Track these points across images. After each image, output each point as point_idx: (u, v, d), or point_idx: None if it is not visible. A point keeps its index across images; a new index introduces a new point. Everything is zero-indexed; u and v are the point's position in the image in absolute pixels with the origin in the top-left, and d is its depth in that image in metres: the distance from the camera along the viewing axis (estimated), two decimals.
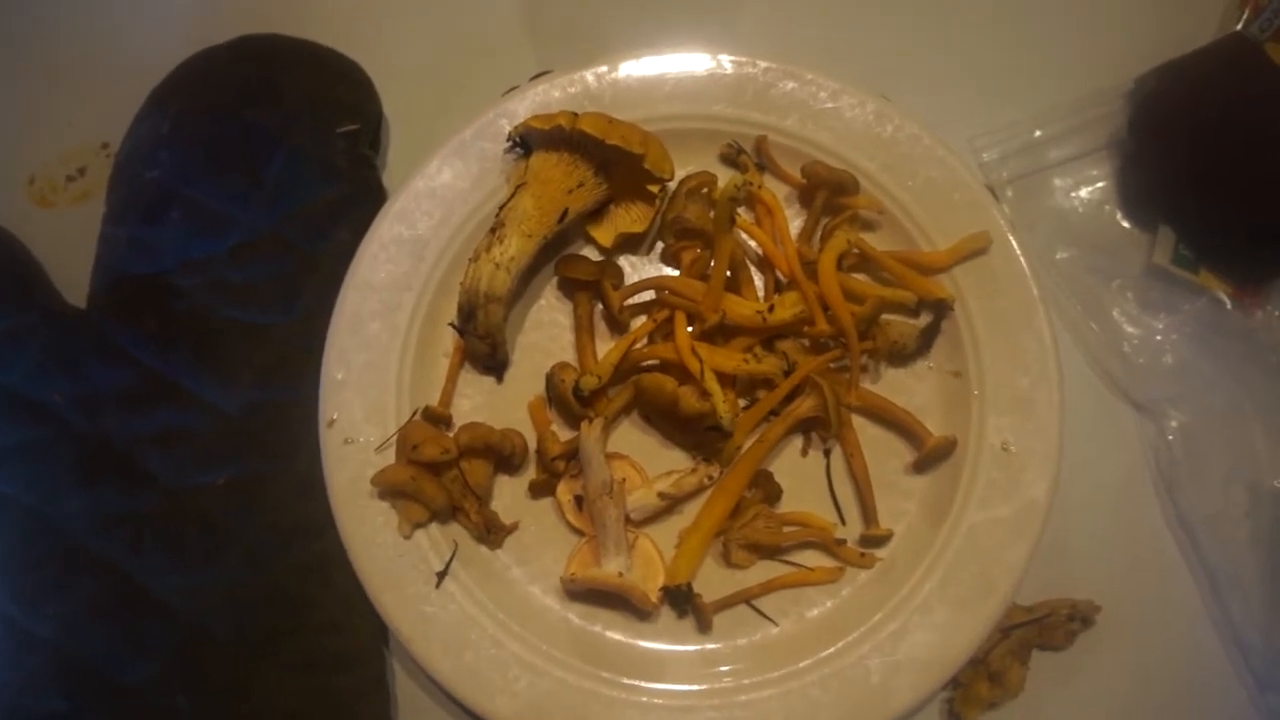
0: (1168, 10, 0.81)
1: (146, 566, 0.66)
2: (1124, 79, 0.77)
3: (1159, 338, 0.73)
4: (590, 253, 0.72)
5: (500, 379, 0.70)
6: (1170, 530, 0.71)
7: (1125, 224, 0.76)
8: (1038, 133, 0.77)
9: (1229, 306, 0.74)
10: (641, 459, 0.68)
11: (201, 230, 0.72)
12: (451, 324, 0.68)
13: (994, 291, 0.69)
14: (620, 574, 0.64)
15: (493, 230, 0.67)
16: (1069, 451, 0.66)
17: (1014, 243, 0.69)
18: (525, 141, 0.68)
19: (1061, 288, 0.74)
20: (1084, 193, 0.77)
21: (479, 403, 0.70)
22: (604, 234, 0.71)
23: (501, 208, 0.67)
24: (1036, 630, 0.68)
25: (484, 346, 0.67)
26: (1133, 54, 0.77)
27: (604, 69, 0.72)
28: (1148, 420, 0.72)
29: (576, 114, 0.65)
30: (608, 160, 0.67)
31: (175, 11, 0.82)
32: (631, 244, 0.72)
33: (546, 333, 0.71)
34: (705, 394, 0.64)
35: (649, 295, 0.69)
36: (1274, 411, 0.71)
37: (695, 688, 0.64)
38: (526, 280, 0.71)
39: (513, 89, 0.73)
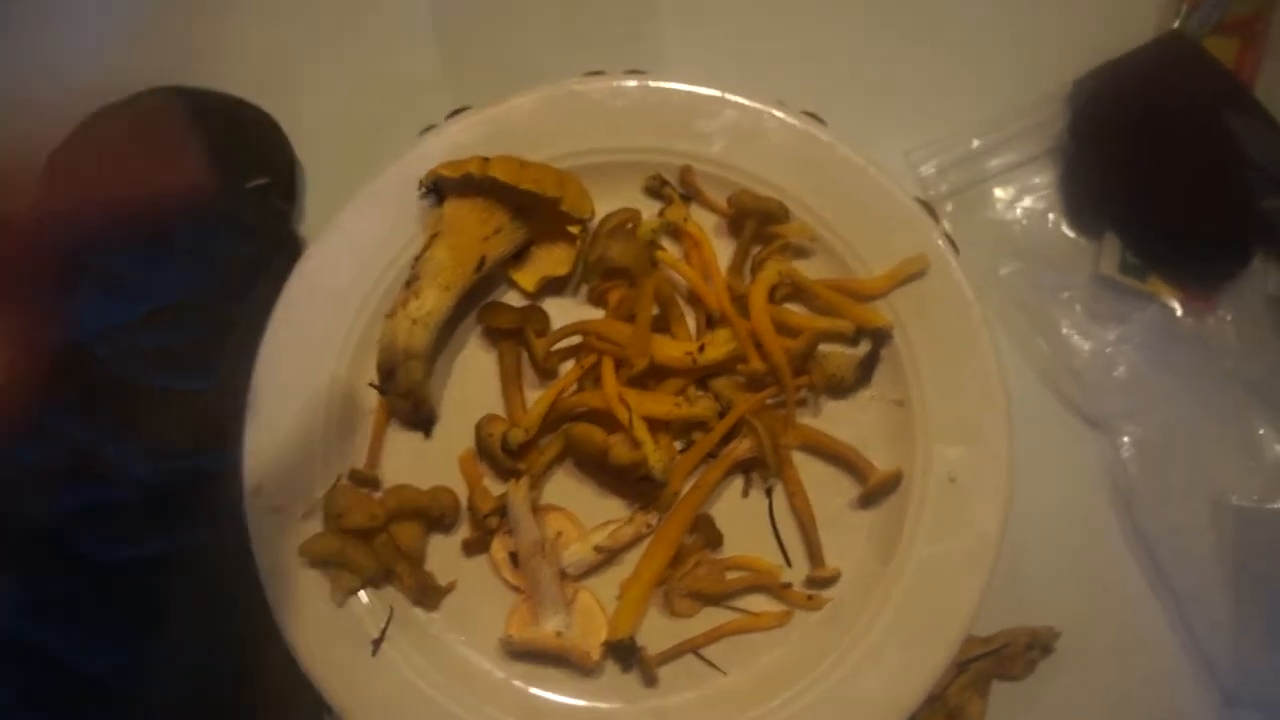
0: (1105, 11, 0.78)
1: (80, 648, 0.64)
2: (1062, 83, 0.75)
3: (1110, 350, 0.71)
4: (515, 298, 0.70)
5: (428, 434, 0.68)
6: (1130, 549, 0.69)
7: (1070, 233, 0.74)
8: (975, 142, 0.74)
9: (1180, 313, 0.71)
10: (578, 509, 0.66)
11: (115, 297, 0.69)
12: (372, 384, 0.66)
13: (935, 315, 0.66)
14: (559, 633, 0.62)
15: (408, 284, 0.64)
16: (1021, 473, 0.64)
17: (953, 263, 0.66)
18: (437, 188, 0.66)
19: (1007, 304, 0.72)
20: (1027, 202, 0.74)
21: (409, 460, 0.67)
22: (527, 278, 0.68)
23: (416, 259, 0.65)
24: (995, 661, 0.66)
25: (406, 404, 0.65)
26: (1070, 57, 0.74)
27: (521, 102, 0.69)
28: (1102, 436, 0.70)
29: (487, 159, 0.62)
30: (523, 204, 0.64)
31: (68, 71, 0.79)
32: (557, 286, 0.70)
33: (474, 384, 0.68)
34: (636, 443, 0.61)
35: (576, 340, 0.67)
36: (1229, 420, 0.69)
37: None
38: (449, 331, 0.68)
39: (429, 128, 0.71)
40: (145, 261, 0.69)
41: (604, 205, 0.67)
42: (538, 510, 0.65)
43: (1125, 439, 0.69)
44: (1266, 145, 0.70)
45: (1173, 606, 0.68)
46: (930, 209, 0.69)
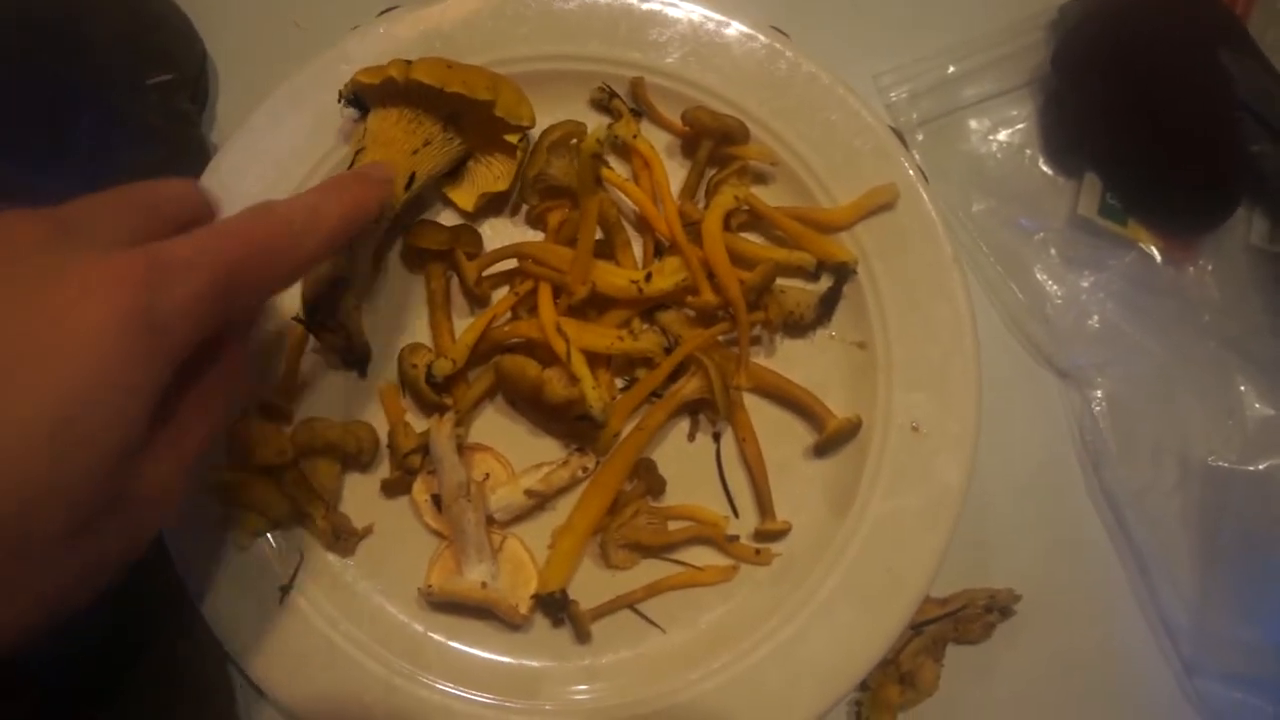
0: None
1: None
2: (1047, 7, 0.70)
3: (1084, 297, 0.67)
4: (452, 218, 0.64)
5: (363, 373, 0.62)
6: (1095, 508, 0.66)
7: (1048, 171, 0.69)
8: (951, 69, 0.69)
9: (1159, 261, 0.67)
10: (508, 450, 0.60)
11: (3, 206, 0.62)
12: (296, 318, 0.60)
13: (902, 251, 0.61)
14: (484, 584, 0.57)
15: None
16: (987, 426, 0.59)
17: (924, 195, 0.61)
18: (359, 99, 0.59)
19: (978, 243, 0.67)
20: (1003, 136, 0.69)
21: (325, 393, 0.61)
22: (464, 196, 0.62)
23: None
24: (951, 624, 0.62)
25: (336, 339, 0.58)
26: None
27: (458, 1, 0.63)
28: (1072, 389, 0.66)
29: (410, 62, 0.55)
30: (454, 112, 0.58)
31: None
32: (498, 206, 0.64)
33: (405, 314, 0.62)
34: (573, 379, 0.56)
35: (512, 264, 0.61)
36: (1205, 376, 0.65)
37: (577, 702, 0.57)
38: (380, 257, 0.62)
39: (356, 28, 0.64)
40: (37, 165, 0.62)
41: (547, 120, 0.61)
42: (464, 450, 0.59)
43: (1096, 392, 0.65)
44: (1259, 86, 0.65)
45: (1136, 571, 0.65)
46: (900, 138, 0.64)
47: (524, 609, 0.57)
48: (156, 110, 0.63)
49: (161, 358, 0.35)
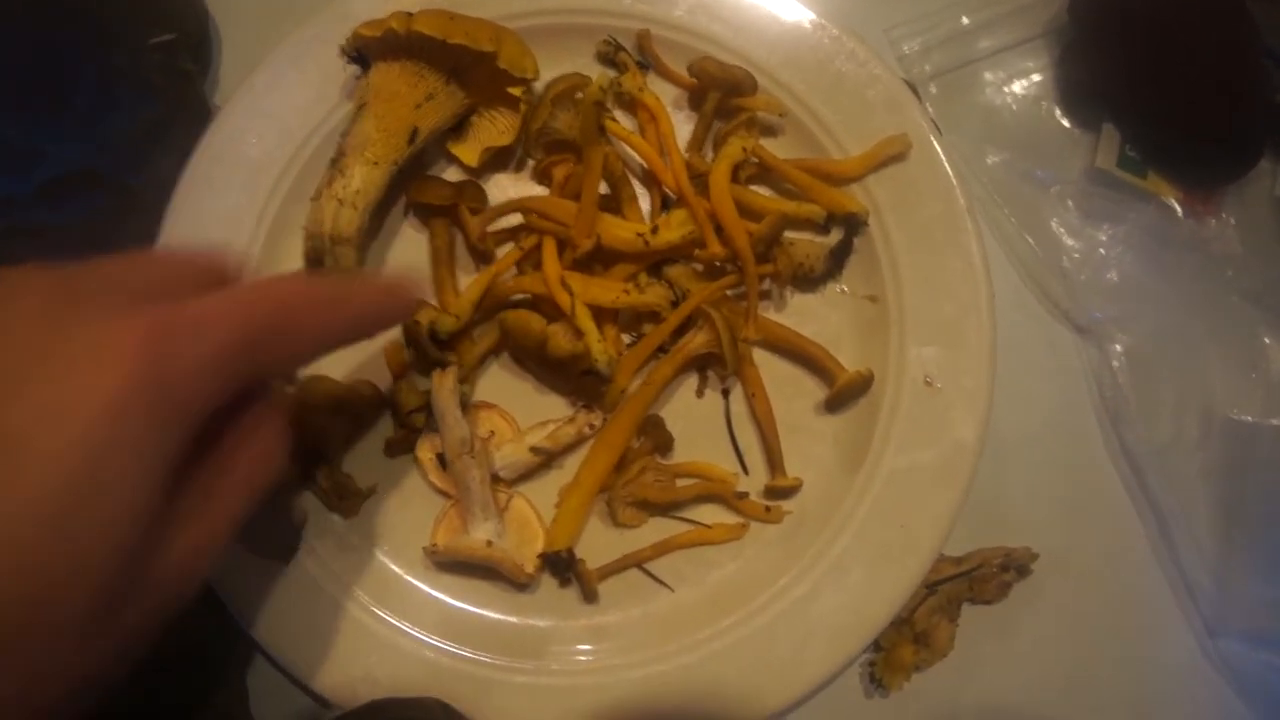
0: None
1: None
2: None
3: (1103, 251, 0.65)
4: (456, 174, 0.63)
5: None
6: (1115, 466, 0.64)
7: (1065, 122, 0.68)
8: (965, 20, 0.68)
9: (1180, 214, 0.66)
10: (513, 407, 0.59)
11: (3, 166, 0.62)
12: None
13: (915, 203, 0.60)
14: (489, 543, 0.56)
15: (334, 161, 0.57)
16: (1002, 382, 0.58)
17: (937, 146, 0.60)
18: (361, 54, 0.58)
19: (992, 196, 0.65)
20: (1018, 87, 0.68)
21: (335, 353, 0.61)
22: (468, 151, 0.61)
23: (343, 135, 0.58)
24: (966, 584, 0.61)
25: None
26: None
27: None
28: (1090, 344, 0.65)
29: (411, 14, 0.55)
30: (457, 65, 0.57)
31: None
32: (502, 161, 0.63)
33: (405, 268, 0.61)
34: (578, 333, 0.55)
35: (516, 219, 0.60)
36: (1228, 331, 0.64)
37: (583, 662, 0.56)
38: (383, 213, 0.62)
39: None
40: (38, 126, 0.62)
41: (552, 75, 0.60)
42: (469, 408, 0.58)
43: (1115, 347, 0.64)
44: None
45: (1156, 530, 0.63)
46: (913, 90, 0.62)
47: (530, 568, 0.56)
48: (158, 70, 0.63)
49: (174, 423, 0.33)
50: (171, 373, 0.32)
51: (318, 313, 0.40)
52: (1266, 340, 0.63)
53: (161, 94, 0.63)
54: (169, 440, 0.33)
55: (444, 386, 0.55)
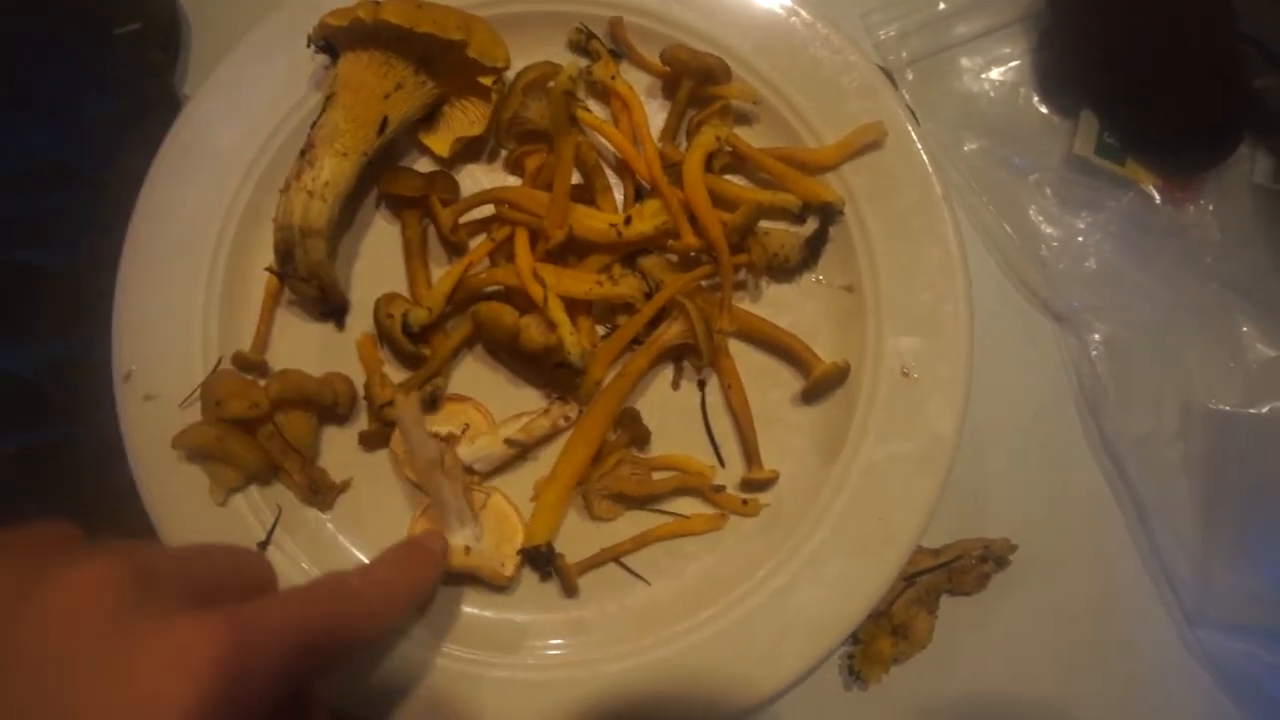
0: None
1: None
2: None
3: (1081, 239, 0.65)
4: (428, 165, 0.62)
5: (341, 325, 0.61)
6: (1094, 457, 0.64)
7: (1043, 109, 0.67)
8: (941, 5, 0.67)
9: (1158, 201, 0.65)
10: (488, 400, 0.59)
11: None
12: (269, 268, 0.58)
13: (891, 192, 0.59)
14: (467, 549, 0.55)
15: (303, 153, 0.57)
16: (981, 372, 0.58)
17: (913, 134, 0.60)
18: (330, 44, 0.57)
19: (970, 184, 0.65)
20: (995, 74, 0.67)
21: (301, 344, 0.60)
22: (439, 142, 0.61)
23: (312, 126, 0.57)
24: (945, 576, 0.61)
25: (310, 289, 0.57)
26: None
27: None
28: (1069, 333, 0.64)
29: (378, 2, 0.54)
30: (426, 54, 0.56)
31: None
32: (474, 151, 0.62)
33: (383, 266, 0.61)
34: (551, 325, 0.54)
35: (489, 211, 0.59)
36: (1207, 319, 0.63)
37: (559, 658, 0.56)
38: (355, 205, 0.61)
39: None
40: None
41: (523, 63, 0.59)
42: (443, 400, 0.58)
43: (1094, 336, 0.63)
44: (1264, 16, 0.63)
45: (1136, 520, 0.63)
46: (889, 77, 0.62)
47: (509, 569, 0.55)
48: (125, 61, 0.62)
49: None
50: (245, 684, 0.33)
51: (370, 618, 0.43)
52: (1245, 328, 0.63)
53: (129, 84, 0.62)
54: None
55: (408, 410, 0.53)
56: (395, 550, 0.50)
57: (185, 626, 0.32)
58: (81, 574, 0.33)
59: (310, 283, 0.57)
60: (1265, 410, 0.62)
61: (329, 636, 0.39)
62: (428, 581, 0.51)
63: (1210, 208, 0.65)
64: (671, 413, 0.59)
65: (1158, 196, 0.65)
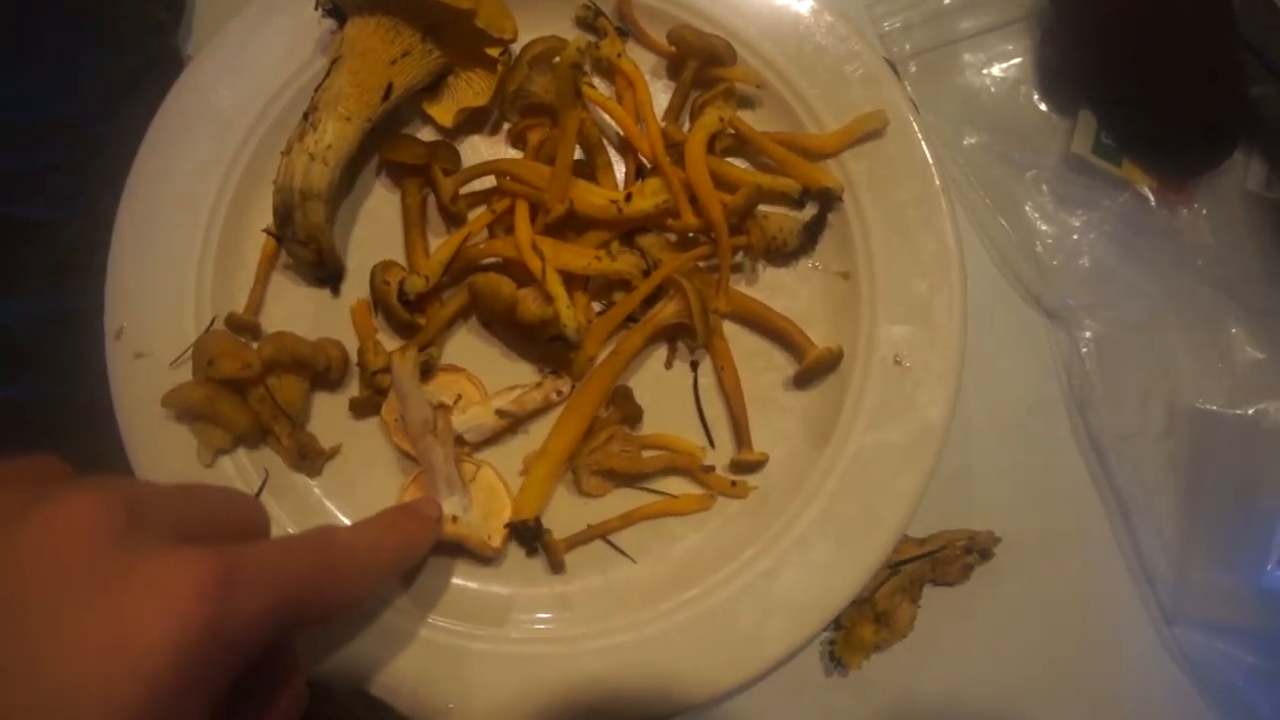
0: None
1: None
2: None
3: (1075, 237, 0.65)
4: (431, 135, 0.62)
5: (336, 291, 0.60)
6: (1080, 453, 0.64)
7: (1042, 107, 0.68)
8: (946, 0, 0.67)
9: (1153, 203, 0.66)
10: (481, 372, 0.59)
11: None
12: (267, 229, 0.58)
13: (890, 181, 0.60)
14: (455, 518, 0.55)
15: (306, 115, 0.56)
16: (971, 365, 0.58)
17: (915, 125, 0.60)
18: (337, 7, 0.57)
19: (968, 178, 0.65)
20: (997, 70, 0.67)
21: (296, 308, 0.60)
22: (443, 111, 0.61)
23: (317, 89, 0.57)
24: (929, 565, 0.61)
25: (307, 253, 0.57)
26: None
27: None
28: (1060, 330, 0.65)
29: None
30: (434, 22, 0.56)
31: None
32: (477, 123, 0.62)
33: (381, 233, 0.61)
34: (548, 298, 0.54)
35: (490, 182, 0.59)
36: (1197, 320, 0.64)
37: (542, 632, 0.56)
38: (355, 172, 0.61)
39: None
40: (1, 70, 0.61)
41: (530, 37, 0.59)
42: (436, 371, 0.58)
43: (1085, 334, 0.64)
44: (1263, 24, 0.63)
45: (1119, 517, 0.63)
46: (893, 68, 0.62)
47: (497, 541, 0.55)
48: (129, 18, 0.62)
49: (222, 672, 0.34)
50: (230, 623, 0.33)
51: (357, 572, 0.43)
52: (1234, 330, 0.63)
53: (131, 41, 0.62)
54: (216, 686, 0.34)
55: (405, 366, 0.54)
56: (389, 512, 0.50)
57: (172, 560, 0.32)
58: (70, 504, 0.32)
59: (308, 246, 0.57)
60: (1250, 412, 0.62)
61: (315, 588, 0.39)
62: (418, 545, 0.50)
63: (1204, 212, 0.66)
64: (664, 392, 0.59)
65: (1152, 198, 0.66)
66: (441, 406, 0.56)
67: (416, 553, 0.51)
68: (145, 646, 0.31)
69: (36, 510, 0.32)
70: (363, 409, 0.58)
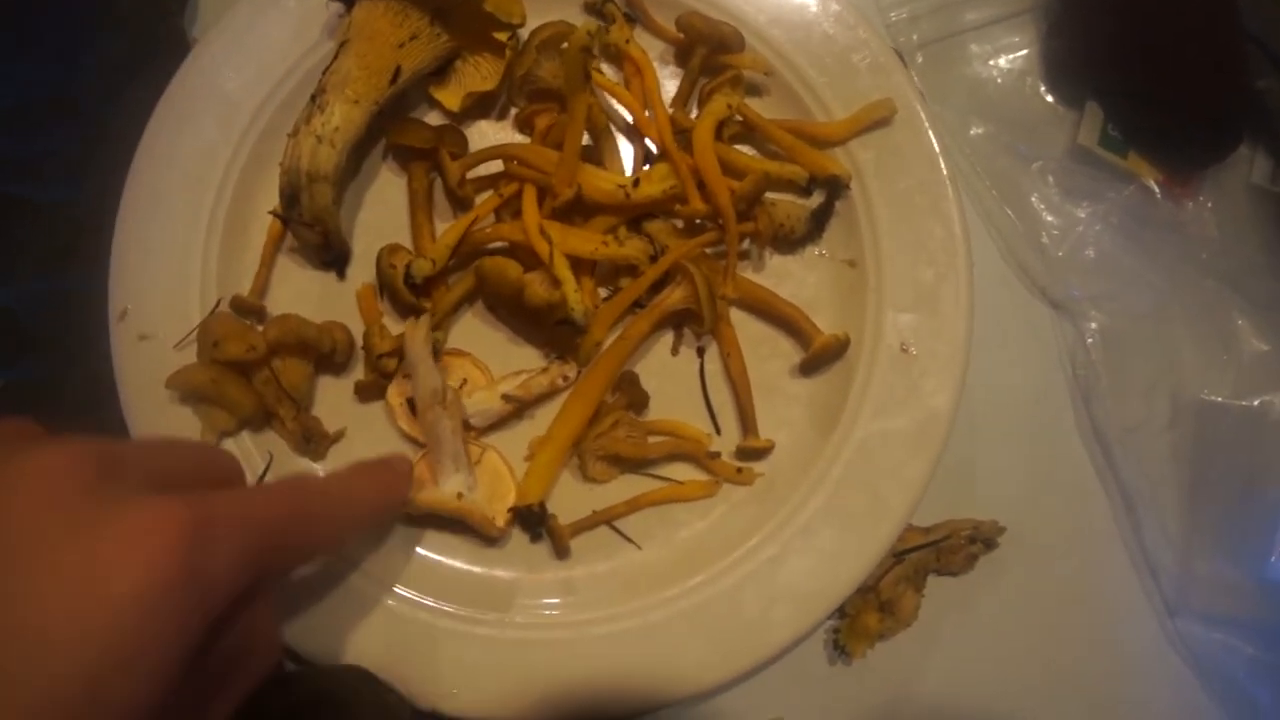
0: None
1: None
2: None
3: (1081, 228, 0.65)
4: (438, 119, 0.62)
5: (342, 274, 0.60)
6: (1084, 444, 0.64)
7: (1049, 98, 0.68)
8: None
9: (1158, 196, 0.66)
10: (487, 357, 0.59)
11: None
12: (273, 211, 0.58)
13: (897, 170, 0.60)
14: (460, 495, 0.55)
15: (313, 97, 0.56)
16: (976, 355, 0.58)
17: (922, 114, 0.60)
18: None
19: (974, 168, 0.65)
20: (1004, 61, 0.68)
21: (302, 291, 0.60)
22: (450, 96, 0.61)
23: (324, 72, 0.57)
24: (934, 554, 0.61)
25: (313, 236, 0.57)
26: None
27: None
28: (1065, 321, 0.65)
29: None
30: (442, 6, 0.56)
31: None
32: (485, 107, 0.62)
33: (387, 217, 0.61)
34: (555, 282, 0.54)
35: (497, 167, 0.59)
36: (1202, 313, 0.64)
37: (546, 618, 0.55)
38: (362, 155, 0.61)
39: None
40: (3, 52, 0.60)
41: (539, 22, 0.59)
42: (442, 355, 0.57)
43: (1090, 325, 0.64)
44: (1270, 18, 0.64)
45: (1122, 509, 0.63)
46: (900, 57, 0.62)
47: (500, 521, 0.55)
48: (135, 0, 0.62)
49: (198, 619, 0.34)
50: (205, 570, 0.33)
51: (330, 515, 0.44)
52: (1239, 322, 0.63)
53: (137, 24, 0.62)
54: (192, 633, 0.34)
55: (417, 336, 0.54)
56: (363, 463, 0.51)
57: (145, 508, 0.32)
58: (45, 457, 0.33)
59: (314, 229, 0.57)
60: (1255, 404, 0.62)
61: (289, 533, 0.39)
62: (392, 497, 0.51)
63: (1209, 205, 0.66)
64: (670, 379, 0.59)
65: (1158, 191, 0.66)
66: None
67: (389, 504, 0.51)
68: (117, 591, 0.31)
69: (5, 464, 0.32)
70: (368, 393, 0.58)
